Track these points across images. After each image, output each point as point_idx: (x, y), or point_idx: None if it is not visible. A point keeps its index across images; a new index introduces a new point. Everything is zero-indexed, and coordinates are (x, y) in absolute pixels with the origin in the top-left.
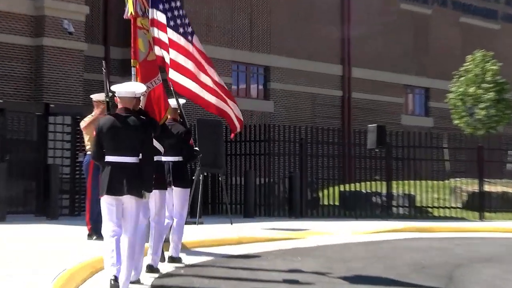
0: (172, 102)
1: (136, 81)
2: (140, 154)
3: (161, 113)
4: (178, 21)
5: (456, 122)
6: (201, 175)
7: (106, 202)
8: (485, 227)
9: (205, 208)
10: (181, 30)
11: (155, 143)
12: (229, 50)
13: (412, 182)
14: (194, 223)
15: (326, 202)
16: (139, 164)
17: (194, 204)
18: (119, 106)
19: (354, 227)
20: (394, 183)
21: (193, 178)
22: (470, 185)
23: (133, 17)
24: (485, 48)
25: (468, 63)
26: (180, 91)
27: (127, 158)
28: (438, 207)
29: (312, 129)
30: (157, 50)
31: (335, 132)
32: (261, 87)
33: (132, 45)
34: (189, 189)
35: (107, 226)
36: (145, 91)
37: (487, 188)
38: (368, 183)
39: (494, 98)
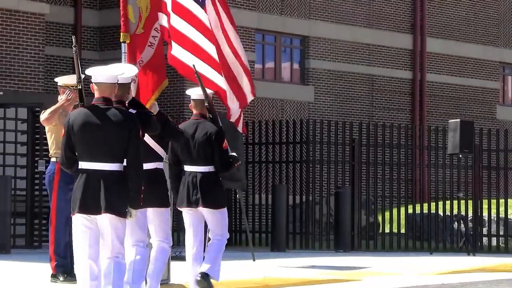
0: (196, 91)
1: (125, 60)
2: (124, 160)
3: (148, 94)
4: None
5: None
6: None
7: (79, 223)
8: None
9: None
10: None
11: (154, 145)
12: (253, 13)
13: (510, 201)
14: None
15: (387, 229)
16: (122, 173)
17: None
18: (96, 95)
19: (428, 265)
20: (485, 203)
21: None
22: None
23: None
24: None
25: None
26: (183, 72)
27: (106, 165)
28: None
29: (369, 126)
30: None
31: (401, 130)
32: (296, 66)
33: (121, 13)
34: (223, 210)
35: (81, 258)
36: (135, 76)
37: None
38: (447, 202)
39: None
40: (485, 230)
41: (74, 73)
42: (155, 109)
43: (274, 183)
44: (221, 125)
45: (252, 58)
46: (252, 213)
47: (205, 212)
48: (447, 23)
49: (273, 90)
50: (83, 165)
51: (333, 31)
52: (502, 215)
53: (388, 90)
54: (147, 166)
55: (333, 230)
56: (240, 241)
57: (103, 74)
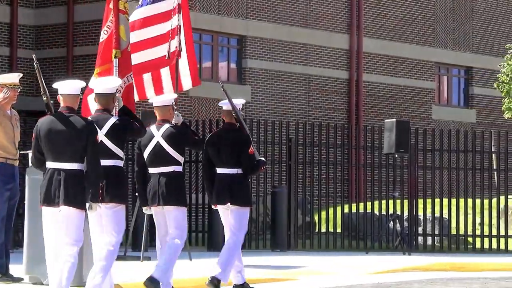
0: (226, 104)
1: (118, 75)
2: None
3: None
4: None
5: (508, 115)
6: None
7: (45, 214)
8: None
9: (153, 237)
10: None
11: (112, 146)
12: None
13: (445, 200)
14: (138, 258)
15: (324, 229)
16: (82, 171)
17: (138, 232)
18: (61, 105)
19: (364, 264)
20: (420, 203)
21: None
22: None
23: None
24: None
25: None
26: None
27: (67, 164)
28: (481, 236)
29: (305, 126)
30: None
31: (338, 129)
32: (233, 65)
33: (113, 31)
34: (247, 208)
35: (48, 244)
36: (120, 86)
37: None
38: (383, 202)
39: None
40: (420, 230)
41: (12, 72)
42: (178, 120)
43: None
44: (248, 132)
45: None
46: (189, 212)
47: (232, 209)
48: (384, 23)
49: (210, 90)
50: (48, 164)
51: (270, 31)
52: (437, 214)
53: (325, 90)
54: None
55: (270, 230)
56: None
57: (66, 87)
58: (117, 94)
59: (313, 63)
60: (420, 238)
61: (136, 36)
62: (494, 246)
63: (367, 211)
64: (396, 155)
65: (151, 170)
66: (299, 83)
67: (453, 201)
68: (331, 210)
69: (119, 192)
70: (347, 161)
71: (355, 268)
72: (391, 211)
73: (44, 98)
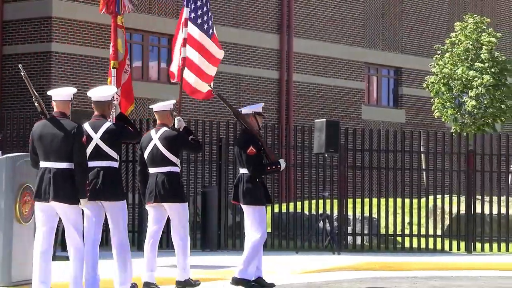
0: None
1: (115, 84)
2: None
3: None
4: (204, 18)
5: (437, 115)
6: None
7: (37, 208)
8: (475, 263)
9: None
10: (205, 26)
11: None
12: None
13: (374, 200)
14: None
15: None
16: (70, 170)
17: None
18: (55, 110)
19: (294, 264)
20: (350, 202)
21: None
22: (455, 205)
23: (114, 15)
24: (480, 12)
25: (456, 34)
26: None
27: (56, 163)
28: (410, 235)
29: (235, 126)
30: (183, 52)
31: (268, 129)
32: (164, 65)
33: (112, 44)
34: (258, 206)
35: (37, 233)
36: (117, 94)
37: (478, 208)
38: (313, 202)
39: (490, 83)
40: (350, 229)
41: None
42: (180, 125)
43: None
44: (252, 134)
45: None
46: None
47: (243, 208)
48: (314, 23)
49: (140, 89)
50: (41, 164)
51: None
52: (366, 214)
53: (255, 90)
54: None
55: (200, 230)
56: (107, 240)
57: (58, 94)
58: (115, 102)
59: (244, 63)
60: (349, 238)
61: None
62: (423, 245)
63: (297, 210)
64: (326, 155)
65: (150, 170)
66: (229, 83)
67: (382, 201)
68: None
69: (114, 191)
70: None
71: (285, 267)
72: (320, 211)
73: (36, 104)
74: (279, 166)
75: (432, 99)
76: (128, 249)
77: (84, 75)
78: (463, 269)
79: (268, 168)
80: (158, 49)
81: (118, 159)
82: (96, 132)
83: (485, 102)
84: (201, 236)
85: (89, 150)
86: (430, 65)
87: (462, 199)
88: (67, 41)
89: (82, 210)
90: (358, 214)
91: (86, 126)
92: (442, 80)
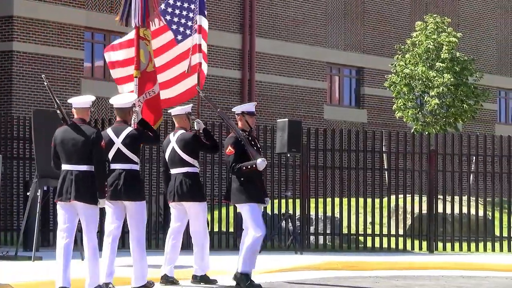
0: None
1: (136, 91)
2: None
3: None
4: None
5: (399, 115)
6: (39, 190)
7: (59, 207)
8: (437, 262)
9: (45, 237)
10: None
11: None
12: (81, 11)
13: (337, 200)
14: (29, 258)
15: (216, 229)
16: (90, 172)
17: (29, 232)
18: (75, 116)
19: (257, 263)
20: (312, 202)
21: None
22: (417, 205)
23: (137, 27)
24: (441, 13)
25: (417, 33)
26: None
27: (76, 166)
28: (372, 235)
29: (192, 124)
30: (198, 58)
31: (222, 128)
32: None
33: (135, 55)
34: (245, 205)
35: (58, 233)
36: (139, 101)
37: (440, 208)
38: (275, 201)
39: (452, 82)
40: (312, 229)
41: None
42: (200, 127)
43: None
44: (234, 133)
45: (81, 56)
46: None
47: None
48: (276, 23)
49: (102, 89)
50: (63, 166)
51: None
52: (329, 214)
53: (218, 89)
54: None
55: (162, 230)
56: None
57: (78, 102)
58: (137, 108)
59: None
60: (312, 238)
61: (160, 59)
62: (385, 245)
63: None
64: (288, 155)
65: (171, 171)
66: None
67: (345, 200)
68: (223, 210)
69: (134, 191)
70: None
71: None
72: (283, 210)
73: (58, 112)
74: (254, 166)
75: (394, 99)
76: (144, 247)
77: (46, 74)
78: (425, 269)
79: (244, 167)
80: None
81: (139, 162)
82: (118, 137)
83: (447, 101)
84: (164, 236)
85: (111, 153)
86: (391, 65)
87: (424, 199)
88: (28, 40)
89: (101, 208)
90: (320, 214)
91: (109, 131)
92: (404, 80)
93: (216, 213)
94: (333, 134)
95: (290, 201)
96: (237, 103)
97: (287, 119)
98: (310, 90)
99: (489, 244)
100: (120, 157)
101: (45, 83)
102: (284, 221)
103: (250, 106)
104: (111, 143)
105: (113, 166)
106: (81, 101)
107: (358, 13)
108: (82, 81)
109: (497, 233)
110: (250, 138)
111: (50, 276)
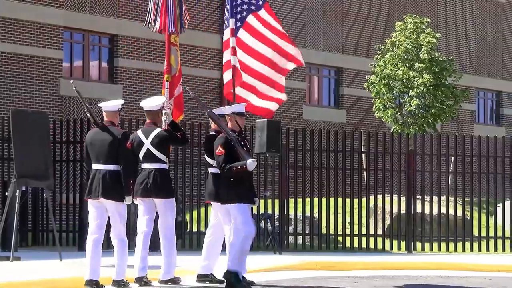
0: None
1: (167, 95)
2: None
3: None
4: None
5: (378, 115)
6: (17, 190)
7: (90, 204)
8: (415, 262)
9: (23, 237)
10: (245, 14)
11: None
12: (60, 11)
13: (316, 200)
14: (8, 258)
15: (195, 229)
16: (117, 171)
17: (7, 231)
18: (105, 119)
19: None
20: (291, 202)
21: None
22: (396, 205)
23: (168, 34)
24: (420, 13)
25: (396, 34)
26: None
27: (104, 165)
28: (351, 235)
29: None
30: (233, 60)
31: (209, 129)
32: (105, 64)
33: (166, 60)
34: (231, 205)
35: (89, 229)
36: (170, 104)
37: (419, 208)
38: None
39: (430, 83)
40: (291, 229)
41: None
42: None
43: (82, 182)
44: (225, 135)
45: (60, 56)
46: (59, 212)
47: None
48: None
49: (81, 89)
50: (93, 166)
51: (142, 30)
52: (308, 214)
53: (197, 89)
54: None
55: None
56: (47, 240)
57: (107, 106)
58: (167, 111)
59: (185, 62)
60: (291, 238)
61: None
62: (364, 245)
63: None
64: (267, 155)
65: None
66: None
67: (324, 200)
68: (202, 210)
69: (163, 189)
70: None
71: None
72: (262, 210)
73: (88, 115)
74: (244, 166)
75: (373, 100)
76: (174, 243)
77: (25, 74)
78: (404, 269)
79: (234, 168)
80: (99, 48)
81: (167, 161)
82: (147, 138)
83: (426, 102)
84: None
85: (141, 153)
86: (371, 65)
87: (403, 199)
88: (7, 40)
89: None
90: (299, 214)
91: (139, 133)
92: (383, 81)
93: (195, 213)
94: (312, 134)
95: (269, 201)
96: (216, 103)
97: (266, 119)
98: (289, 90)
99: (467, 244)
100: (149, 156)
101: (74, 89)
102: (263, 221)
103: (240, 107)
104: (141, 143)
105: (143, 165)
106: (110, 105)
107: (337, 14)
108: (61, 81)
109: (475, 233)
110: (240, 139)
111: (28, 276)
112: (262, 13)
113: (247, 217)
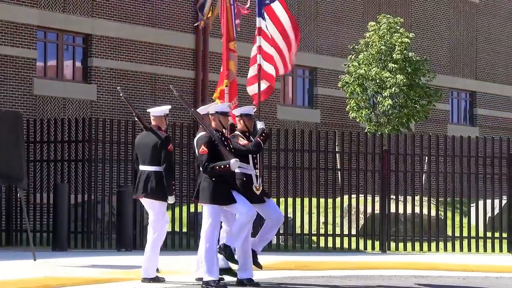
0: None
1: (227, 99)
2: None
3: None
4: None
5: (352, 115)
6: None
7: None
8: (389, 262)
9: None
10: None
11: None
12: (34, 10)
13: (290, 200)
14: None
15: (170, 229)
16: (160, 172)
17: None
18: (152, 123)
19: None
20: None
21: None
22: (370, 205)
23: (226, 41)
24: (394, 13)
25: (370, 34)
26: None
27: (148, 167)
28: (325, 235)
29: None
30: (259, 59)
31: (184, 129)
32: (79, 64)
33: (224, 66)
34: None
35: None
36: (229, 107)
37: (393, 208)
38: None
39: (404, 83)
40: None
41: None
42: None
43: (56, 182)
44: (206, 134)
45: (33, 56)
46: (33, 212)
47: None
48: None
49: (55, 89)
50: (139, 167)
51: (116, 30)
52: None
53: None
54: None
55: (115, 229)
56: (21, 240)
57: (154, 111)
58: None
59: (160, 62)
60: None
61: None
62: (338, 245)
63: None
64: None
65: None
66: (145, 82)
67: (298, 200)
68: (177, 210)
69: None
70: (192, 160)
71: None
72: None
73: (137, 119)
74: (228, 166)
75: (347, 100)
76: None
77: (2, 74)
78: (378, 269)
79: (217, 167)
80: (73, 48)
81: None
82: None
83: (400, 102)
84: (117, 236)
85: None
86: (344, 65)
87: (377, 199)
88: None
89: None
90: None
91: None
92: (357, 81)
93: (169, 212)
94: (286, 134)
95: None
96: (190, 103)
97: None
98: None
99: (441, 244)
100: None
101: (121, 95)
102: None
103: (223, 107)
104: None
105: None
106: (157, 110)
107: (311, 14)
108: (35, 80)
109: (449, 233)
110: (223, 138)
111: (1, 276)
112: (275, 5)
113: (216, 221)
